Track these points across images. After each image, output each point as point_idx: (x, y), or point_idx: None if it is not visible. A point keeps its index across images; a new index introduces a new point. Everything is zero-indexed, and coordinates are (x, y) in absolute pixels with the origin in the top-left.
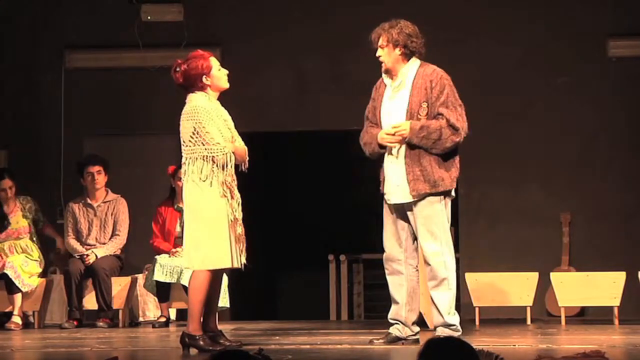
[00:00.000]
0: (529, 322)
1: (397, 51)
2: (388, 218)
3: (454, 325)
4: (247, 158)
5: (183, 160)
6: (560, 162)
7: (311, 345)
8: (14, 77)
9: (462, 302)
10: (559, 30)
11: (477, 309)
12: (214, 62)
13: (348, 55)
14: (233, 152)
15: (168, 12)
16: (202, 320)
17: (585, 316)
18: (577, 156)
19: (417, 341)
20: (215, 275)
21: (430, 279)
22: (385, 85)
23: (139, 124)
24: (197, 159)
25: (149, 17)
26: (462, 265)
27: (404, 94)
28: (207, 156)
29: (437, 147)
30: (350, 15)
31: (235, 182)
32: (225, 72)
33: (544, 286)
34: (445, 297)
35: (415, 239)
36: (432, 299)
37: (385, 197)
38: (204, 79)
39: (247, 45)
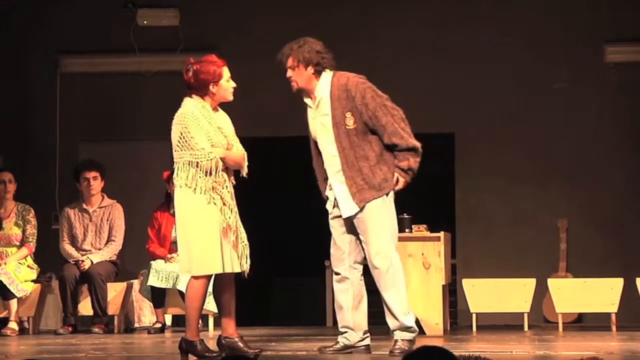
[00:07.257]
0: (526, 328)
1: (310, 70)
2: (335, 226)
3: (411, 327)
4: (246, 163)
5: (174, 165)
6: (557, 167)
7: (307, 352)
8: (9, 82)
9: (459, 308)
10: (557, 35)
11: (474, 315)
12: (225, 72)
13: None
14: (223, 158)
15: (164, 17)
16: (221, 326)
17: (582, 323)
18: (574, 162)
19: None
20: (220, 280)
21: (378, 282)
22: (309, 107)
23: (134, 129)
24: (184, 164)
25: (144, 22)
26: (459, 272)
27: (325, 110)
28: (192, 161)
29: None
30: (349, 23)
31: (229, 189)
32: (233, 84)
33: (542, 292)
34: (397, 298)
35: (359, 244)
36: (384, 301)
37: (332, 211)
38: (211, 86)
39: (243, 51)
